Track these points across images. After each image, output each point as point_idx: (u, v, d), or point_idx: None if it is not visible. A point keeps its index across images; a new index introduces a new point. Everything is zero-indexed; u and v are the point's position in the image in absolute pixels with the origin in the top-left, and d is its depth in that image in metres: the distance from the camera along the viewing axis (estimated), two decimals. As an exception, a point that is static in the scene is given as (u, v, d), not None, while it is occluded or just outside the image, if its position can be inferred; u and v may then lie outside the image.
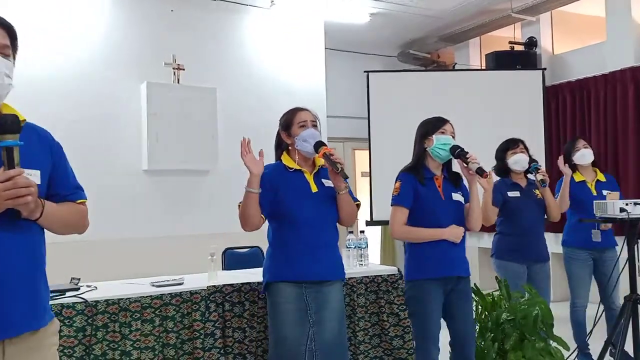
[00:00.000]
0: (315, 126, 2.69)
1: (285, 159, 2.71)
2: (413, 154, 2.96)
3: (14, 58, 1.65)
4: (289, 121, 2.71)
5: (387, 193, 6.65)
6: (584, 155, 4.07)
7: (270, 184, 2.59)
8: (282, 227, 2.64)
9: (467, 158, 2.80)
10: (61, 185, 1.72)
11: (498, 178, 3.75)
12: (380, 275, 3.37)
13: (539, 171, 3.73)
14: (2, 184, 1.45)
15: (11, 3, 4.76)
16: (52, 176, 1.68)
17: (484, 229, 4.04)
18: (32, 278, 1.60)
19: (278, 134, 2.78)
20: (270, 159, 2.75)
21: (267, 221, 2.68)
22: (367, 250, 3.57)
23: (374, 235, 7.96)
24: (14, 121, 1.52)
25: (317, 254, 2.61)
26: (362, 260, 3.49)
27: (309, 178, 2.67)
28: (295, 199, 2.60)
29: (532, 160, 3.76)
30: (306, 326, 2.57)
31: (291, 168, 2.68)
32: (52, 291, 2.64)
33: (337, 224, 2.76)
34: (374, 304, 3.34)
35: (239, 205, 2.59)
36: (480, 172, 2.78)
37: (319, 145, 2.57)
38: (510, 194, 3.73)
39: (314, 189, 2.65)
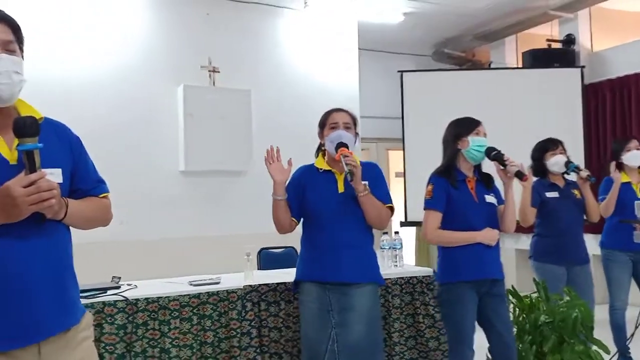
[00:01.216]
0: (348, 128, 2.68)
1: (318, 161, 2.77)
2: (444, 155, 2.93)
3: (22, 51, 1.60)
4: (323, 122, 2.76)
5: (421, 194, 6.61)
6: (636, 157, 3.96)
7: (298, 185, 2.68)
8: (309, 227, 2.70)
9: (505, 161, 2.76)
10: (83, 180, 1.70)
11: (535, 178, 3.68)
12: (416, 277, 3.36)
13: (580, 169, 3.66)
14: (24, 189, 1.42)
15: (51, 9, 4.89)
16: (73, 172, 1.66)
17: (521, 229, 3.99)
18: (60, 278, 1.60)
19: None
20: (302, 162, 2.81)
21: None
22: (402, 252, 3.56)
23: (408, 236, 7.91)
24: (32, 123, 1.47)
25: (340, 255, 2.59)
26: (396, 261, 3.49)
27: (339, 178, 2.68)
28: (320, 199, 2.64)
29: (569, 162, 3.69)
30: (328, 326, 2.59)
31: (321, 169, 2.72)
32: (94, 289, 2.73)
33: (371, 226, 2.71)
34: (409, 305, 3.33)
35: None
36: (520, 175, 2.74)
37: (338, 146, 2.59)
38: (549, 194, 3.66)
39: (341, 189, 2.66)
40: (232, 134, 5.40)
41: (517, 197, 3.29)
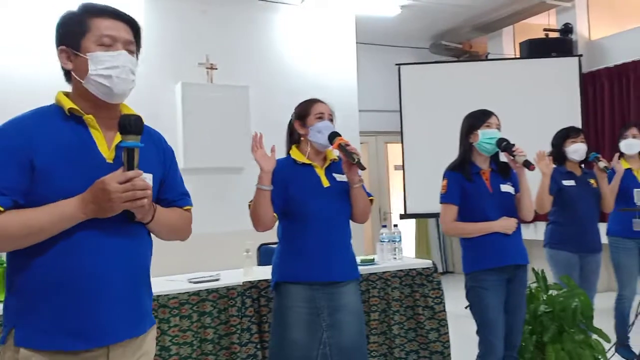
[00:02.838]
0: (331, 120, 2.59)
1: (294, 153, 2.60)
2: (459, 149, 2.95)
3: (138, 54, 1.64)
4: (306, 111, 2.59)
5: (420, 186, 6.63)
6: (631, 145, 3.98)
7: (280, 179, 2.48)
8: (293, 225, 2.52)
9: (514, 151, 2.78)
10: (170, 190, 1.70)
11: (554, 166, 3.68)
12: (415, 269, 3.37)
13: (600, 159, 3.67)
14: (121, 185, 1.43)
15: (46, 5, 4.88)
16: (162, 181, 1.67)
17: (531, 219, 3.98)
18: (138, 284, 1.59)
19: (290, 124, 2.67)
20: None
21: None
22: (401, 244, 3.57)
23: (408, 228, 7.92)
24: (138, 122, 1.50)
25: (329, 253, 2.49)
26: (395, 254, 3.49)
27: (320, 172, 2.56)
28: (306, 195, 2.49)
29: (589, 151, 3.70)
30: (318, 330, 2.45)
31: (300, 162, 2.56)
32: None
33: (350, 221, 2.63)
34: (409, 297, 3.34)
35: (249, 205, 2.50)
36: (527, 164, 2.76)
37: (334, 135, 2.47)
38: (566, 182, 3.66)
39: (325, 183, 2.53)
40: (230, 131, 5.40)
41: (535, 186, 3.30)
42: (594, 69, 6.61)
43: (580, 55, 6.54)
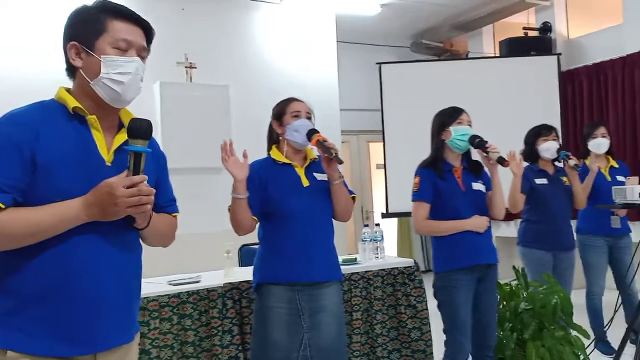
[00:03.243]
0: (309, 118, 2.56)
1: (274, 153, 2.58)
2: (431, 146, 2.93)
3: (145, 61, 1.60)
4: (282, 110, 2.57)
5: (402, 185, 6.62)
6: (599, 145, 4.02)
7: (259, 181, 2.47)
8: (273, 225, 2.50)
9: (487, 147, 2.77)
10: (161, 196, 1.66)
11: (526, 164, 3.70)
12: (397, 268, 3.37)
13: (570, 157, 3.69)
14: (128, 189, 1.40)
15: (22, 6, 4.80)
16: (155, 186, 1.61)
17: (503, 217, 4.01)
18: (131, 291, 1.57)
19: (270, 124, 2.65)
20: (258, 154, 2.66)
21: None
22: (383, 243, 3.56)
23: (390, 227, 7.94)
24: (148, 127, 1.47)
25: (310, 253, 2.45)
26: (378, 253, 3.49)
27: (300, 172, 2.53)
28: (285, 195, 2.47)
29: (560, 149, 3.72)
30: (299, 331, 2.43)
31: (280, 162, 2.54)
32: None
33: (333, 219, 2.60)
34: (391, 296, 3.34)
35: (229, 209, 2.48)
36: (501, 161, 2.76)
37: (311, 132, 2.45)
38: (538, 181, 3.68)
39: (305, 183, 2.51)
40: (210, 130, 5.35)
41: (508, 184, 3.32)
42: (572, 67, 6.68)
43: (559, 54, 6.61)
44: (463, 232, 2.79)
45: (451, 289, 2.79)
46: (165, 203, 1.71)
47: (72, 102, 1.49)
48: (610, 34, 6.37)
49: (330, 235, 2.60)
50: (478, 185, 2.87)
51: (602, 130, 4.05)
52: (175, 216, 1.75)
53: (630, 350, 3.22)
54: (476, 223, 2.80)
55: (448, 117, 2.88)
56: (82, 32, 1.50)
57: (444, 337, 2.87)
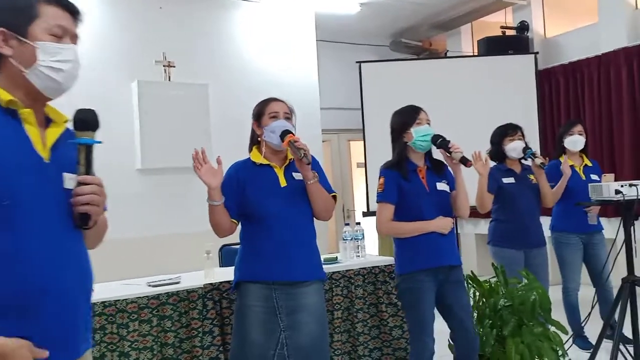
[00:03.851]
0: (288, 118, 2.56)
1: (254, 154, 2.59)
2: (393, 147, 2.92)
3: None
4: (261, 111, 2.58)
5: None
6: (575, 142, 4.08)
7: (237, 182, 2.49)
8: (252, 226, 2.51)
9: (450, 148, 2.77)
10: None
11: (493, 163, 3.73)
12: (378, 266, 3.38)
13: (536, 156, 3.72)
14: (88, 186, 1.36)
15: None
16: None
17: (480, 215, 4.04)
18: (88, 296, 1.47)
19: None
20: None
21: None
22: (364, 242, 3.57)
23: (371, 226, 7.95)
24: (95, 117, 1.39)
25: (287, 253, 2.45)
26: (359, 252, 3.49)
27: (279, 172, 2.54)
28: (262, 195, 2.48)
29: (526, 148, 3.75)
30: (276, 330, 2.43)
31: (258, 163, 2.54)
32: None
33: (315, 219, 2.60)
34: (372, 295, 3.35)
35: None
36: (464, 161, 2.76)
37: (284, 134, 2.45)
38: (505, 180, 3.71)
39: (283, 183, 2.52)
40: (189, 130, 5.30)
41: (475, 183, 3.34)
42: (549, 66, 6.75)
43: (536, 53, 6.68)
44: (427, 234, 2.78)
45: (416, 291, 2.79)
46: None
47: (5, 96, 1.37)
48: (586, 33, 6.46)
49: (311, 235, 2.59)
50: (442, 186, 2.87)
51: (579, 127, 4.11)
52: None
53: (607, 345, 3.27)
54: (440, 224, 2.79)
55: (407, 117, 2.87)
56: (12, 18, 1.39)
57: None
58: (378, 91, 6.52)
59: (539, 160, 3.70)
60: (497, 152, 3.79)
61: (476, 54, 7.29)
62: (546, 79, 6.75)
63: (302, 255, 2.51)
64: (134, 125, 5.20)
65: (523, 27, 6.98)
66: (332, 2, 6.55)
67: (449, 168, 2.88)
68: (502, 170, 3.75)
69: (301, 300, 2.47)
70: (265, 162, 2.55)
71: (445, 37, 8.10)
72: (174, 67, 5.36)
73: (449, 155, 2.79)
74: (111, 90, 5.16)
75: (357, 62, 6.71)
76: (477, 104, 6.25)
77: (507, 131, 3.77)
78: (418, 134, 2.80)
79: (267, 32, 6.04)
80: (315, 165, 2.51)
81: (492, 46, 6.82)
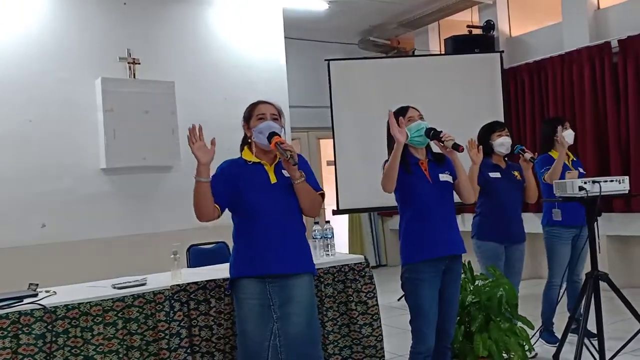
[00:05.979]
0: (275, 119, 2.67)
1: (245, 153, 2.71)
2: (388, 147, 2.92)
3: None
4: (249, 113, 2.71)
5: (353, 181, 6.62)
6: (570, 135, 4.12)
7: (228, 173, 2.62)
8: (243, 221, 2.62)
9: (441, 137, 2.83)
10: None
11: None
12: (347, 265, 3.36)
13: (525, 151, 3.79)
14: None
15: None
16: None
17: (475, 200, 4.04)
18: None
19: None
20: (230, 154, 2.73)
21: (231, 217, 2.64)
22: (334, 240, 3.55)
23: (341, 224, 7.96)
24: None
25: (279, 247, 2.57)
26: (328, 251, 3.48)
27: (269, 170, 2.65)
28: (253, 191, 2.59)
29: (515, 143, 3.80)
30: (269, 322, 2.55)
31: (250, 161, 2.66)
32: (9, 299, 2.57)
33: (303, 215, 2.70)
34: (342, 293, 3.33)
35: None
36: (456, 147, 2.81)
37: (271, 135, 2.57)
38: (492, 174, 3.76)
39: (273, 179, 2.63)
40: (156, 128, 5.22)
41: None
42: (514, 64, 6.86)
43: (502, 51, 6.77)
44: (429, 224, 2.82)
45: (417, 281, 2.83)
46: None
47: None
48: (550, 31, 6.58)
49: (301, 229, 2.69)
50: (445, 177, 2.92)
51: (568, 123, 4.19)
52: None
53: (572, 339, 3.34)
54: (395, 131, 2.72)
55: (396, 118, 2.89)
56: None
57: (395, 330, 2.89)
58: (347, 89, 6.51)
59: (528, 155, 3.77)
60: (484, 147, 3.81)
61: (443, 52, 7.36)
62: (512, 77, 6.85)
63: (293, 249, 2.62)
64: (98, 124, 5.08)
65: (489, 26, 7.07)
66: (300, 0, 6.53)
67: (447, 156, 2.93)
68: (488, 165, 3.78)
69: (292, 291, 2.57)
70: (256, 160, 2.66)
71: (413, 36, 8.16)
72: (139, 64, 5.27)
73: (442, 144, 2.84)
74: (74, 88, 5.05)
75: (325, 60, 6.69)
76: (444, 102, 6.29)
77: (495, 127, 3.83)
78: (412, 130, 2.84)
79: (235, 29, 5.99)
80: (303, 164, 2.63)
81: (459, 45, 6.89)
